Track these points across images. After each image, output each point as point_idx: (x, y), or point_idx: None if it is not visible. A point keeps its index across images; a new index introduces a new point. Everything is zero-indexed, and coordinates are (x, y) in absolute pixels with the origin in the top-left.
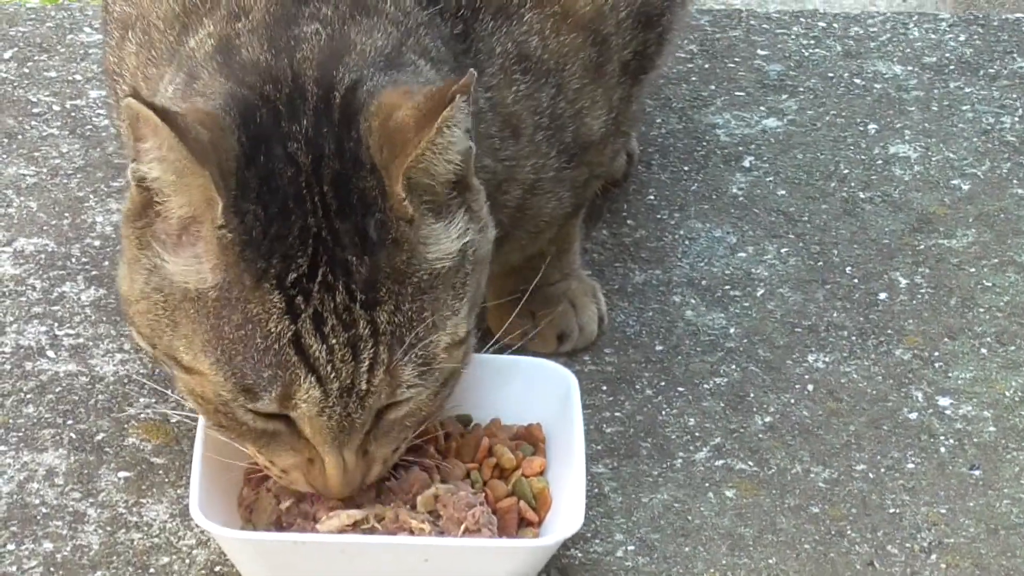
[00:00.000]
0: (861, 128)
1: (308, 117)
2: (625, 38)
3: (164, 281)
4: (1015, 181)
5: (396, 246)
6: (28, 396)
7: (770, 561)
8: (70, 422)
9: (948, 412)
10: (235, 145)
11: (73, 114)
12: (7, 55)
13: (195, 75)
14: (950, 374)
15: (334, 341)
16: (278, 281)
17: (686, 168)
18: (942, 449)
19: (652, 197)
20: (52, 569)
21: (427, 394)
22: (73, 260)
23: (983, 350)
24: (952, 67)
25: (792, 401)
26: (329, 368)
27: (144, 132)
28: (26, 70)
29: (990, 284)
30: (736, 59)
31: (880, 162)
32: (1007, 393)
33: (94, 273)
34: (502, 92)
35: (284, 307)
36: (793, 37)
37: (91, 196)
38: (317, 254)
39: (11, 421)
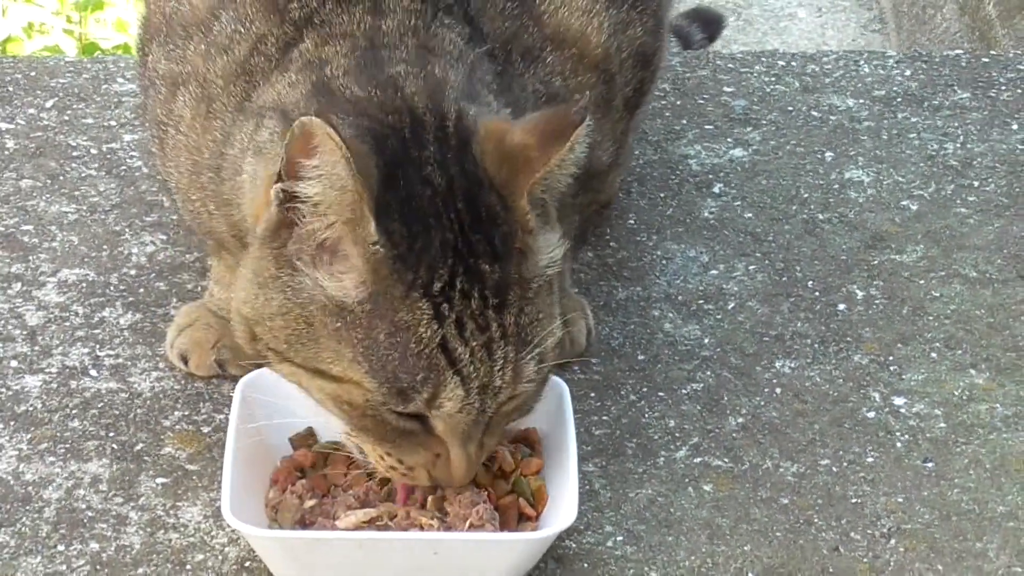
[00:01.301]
0: (819, 156)
1: (432, 144)
2: (627, 76)
3: (304, 298)
4: (958, 201)
5: (521, 255)
6: (74, 412)
7: (745, 548)
8: (112, 434)
9: (903, 411)
10: (374, 170)
11: (109, 156)
12: (48, 104)
13: (291, 116)
14: (904, 376)
15: (474, 343)
16: (425, 290)
17: (662, 195)
18: (898, 444)
19: (632, 221)
20: (98, 567)
21: (536, 388)
22: (112, 288)
23: (933, 354)
24: (899, 100)
25: (762, 403)
26: (471, 368)
27: (317, 149)
28: (66, 117)
29: (938, 295)
30: (705, 96)
31: (837, 186)
32: (956, 392)
33: (131, 300)
34: None
35: (432, 313)
36: (756, 75)
37: (127, 230)
38: (455, 264)
39: (59, 434)
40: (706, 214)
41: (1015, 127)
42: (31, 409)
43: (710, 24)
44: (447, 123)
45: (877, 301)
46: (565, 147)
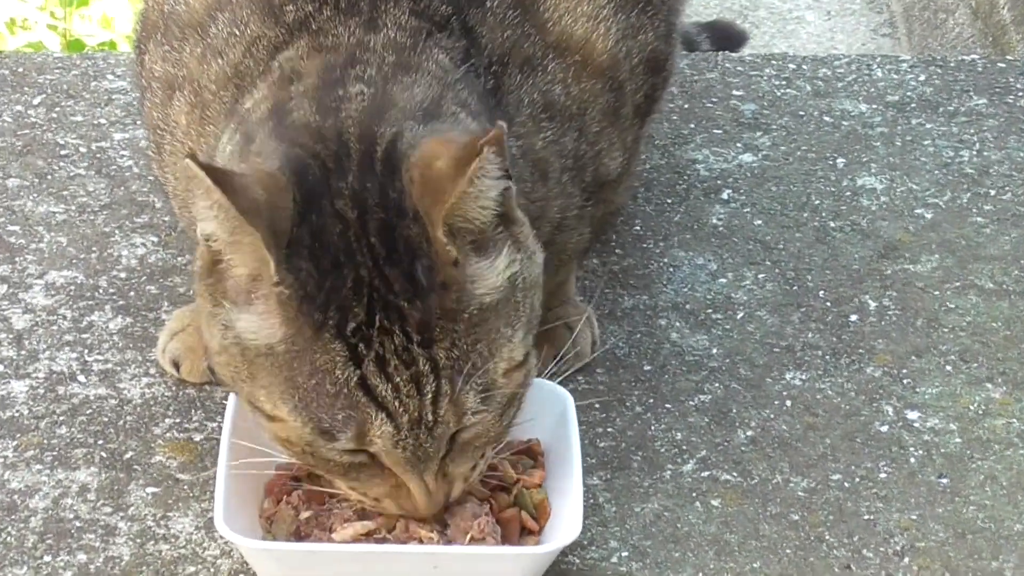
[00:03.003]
0: (830, 162)
1: (353, 172)
2: (637, 83)
3: (238, 336)
4: (974, 210)
5: (444, 288)
6: (61, 418)
7: (754, 565)
8: (101, 442)
9: (916, 425)
10: (290, 204)
11: (98, 155)
12: (36, 101)
13: (251, 136)
14: (918, 390)
15: (398, 379)
16: (338, 331)
17: (669, 201)
18: (912, 459)
19: (638, 228)
20: None
21: (492, 417)
22: (101, 291)
23: (948, 367)
24: (914, 105)
25: (772, 416)
26: (397, 404)
27: (198, 192)
28: (54, 115)
29: (953, 306)
30: (713, 99)
31: (849, 193)
32: (971, 407)
33: (121, 303)
34: (532, 139)
35: (347, 354)
36: (766, 78)
37: (116, 232)
38: (372, 301)
39: (46, 442)
40: (714, 221)
41: None
42: (17, 415)
43: (727, 40)
44: (375, 149)
45: (890, 312)
46: (464, 180)
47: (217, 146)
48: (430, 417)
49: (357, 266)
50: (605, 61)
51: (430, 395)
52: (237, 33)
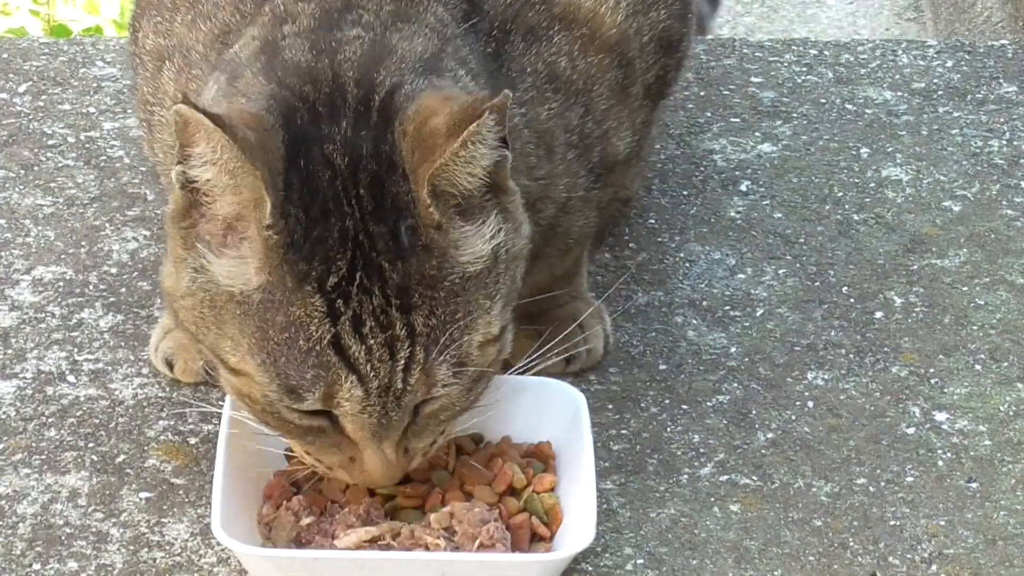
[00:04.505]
0: (854, 152)
1: (348, 119)
2: (648, 62)
3: (209, 282)
4: (1004, 202)
5: (426, 252)
6: (50, 420)
7: (776, 573)
8: (92, 444)
9: (945, 427)
10: (280, 146)
11: (87, 145)
12: (22, 89)
13: (237, 75)
14: (946, 390)
15: (372, 342)
16: (319, 284)
17: (685, 193)
18: (940, 463)
19: (653, 221)
20: None
21: (461, 390)
22: (91, 287)
23: (977, 366)
24: (940, 92)
25: (793, 417)
26: (368, 368)
27: (195, 136)
28: (40, 103)
29: (982, 302)
30: (731, 87)
31: (873, 185)
32: (1001, 408)
33: (111, 300)
34: (536, 109)
35: (325, 310)
36: (786, 65)
37: (107, 225)
38: (355, 257)
39: (34, 444)
40: (732, 214)
41: None
42: (4, 417)
43: None
44: (373, 97)
45: (917, 309)
46: (457, 141)
47: (201, 96)
48: (399, 385)
49: (344, 217)
50: (614, 36)
51: (403, 362)
52: None
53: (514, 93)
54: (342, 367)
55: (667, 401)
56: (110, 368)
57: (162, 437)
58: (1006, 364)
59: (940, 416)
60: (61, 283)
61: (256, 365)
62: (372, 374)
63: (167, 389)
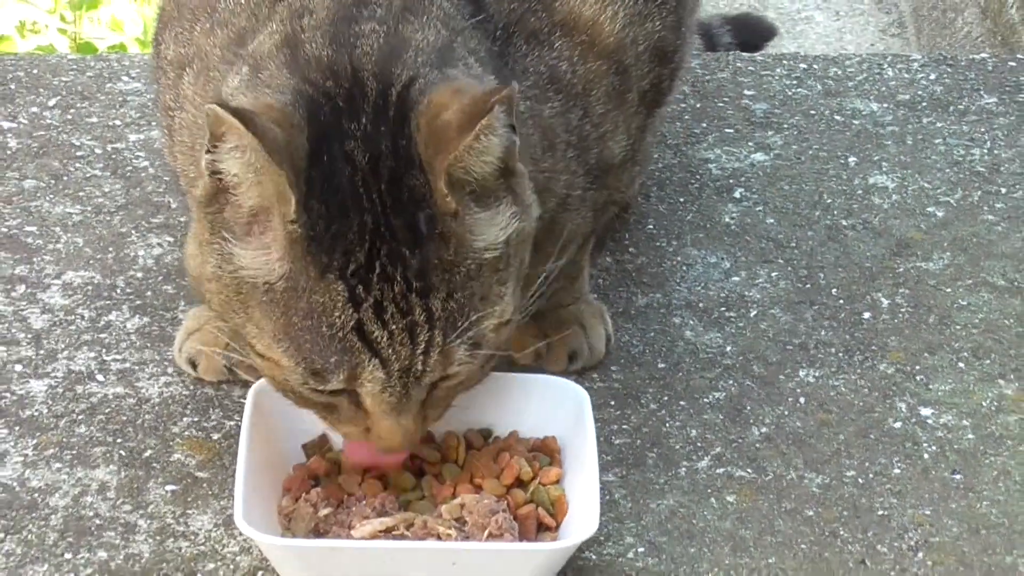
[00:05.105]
0: (842, 161)
1: (367, 114)
2: (643, 70)
3: (235, 268)
4: (985, 208)
5: (443, 239)
6: (80, 417)
7: (769, 561)
8: (120, 440)
9: (930, 421)
10: (304, 143)
11: (114, 156)
12: (51, 103)
13: (261, 67)
14: (931, 386)
15: (394, 327)
16: (340, 272)
17: (682, 200)
18: (925, 455)
19: (651, 227)
20: None
21: (475, 368)
22: (118, 291)
23: (960, 364)
24: (924, 104)
25: (786, 413)
26: (390, 351)
27: (226, 134)
28: (69, 116)
29: (965, 303)
30: (725, 99)
31: (860, 192)
32: (984, 403)
33: (138, 303)
34: (539, 106)
35: (347, 296)
36: (777, 78)
37: (133, 232)
38: (374, 247)
39: (65, 440)
40: (727, 219)
41: None
42: (36, 415)
43: (754, 34)
44: (390, 91)
45: (903, 310)
46: (471, 135)
47: (222, 90)
48: (419, 367)
49: (363, 212)
50: (611, 43)
51: (423, 345)
52: (243, 2)
53: (519, 84)
54: (365, 351)
55: (666, 398)
56: (137, 368)
57: (186, 433)
58: (988, 362)
59: (925, 411)
60: (90, 287)
61: (282, 351)
62: (394, 357)
63: (191, 387)
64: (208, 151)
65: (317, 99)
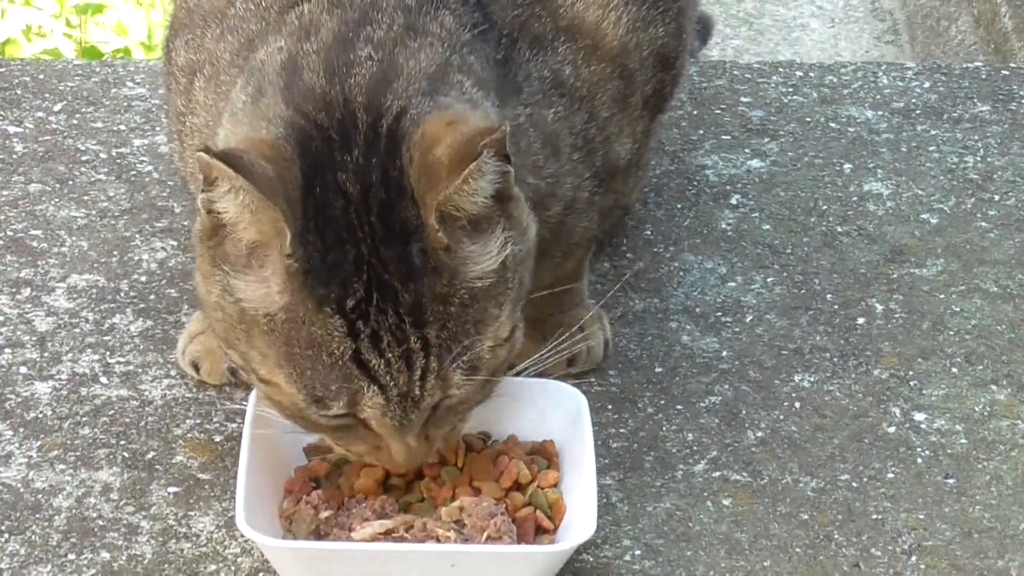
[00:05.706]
0: (837, 168)
1: (359, 146)
2: (647, 75)
3: (236, 300)
4: (979, 215)
5: (436, 272)
6: (84, 419)
7: (765, 564)
8: (123, 442)
9: (923, 426)
10: (297, 176)
11: (119, 161)
12: (57, 108)
13: (262, 91)
14: (924, 391)
15: (390, 355)
16: (338, 306)
17: (679, 206)
18: (919, 460)
19: (649, 232)
20: None
21: (475, 388)
22: (122, 294)
23: (954, 369)
24: (919, 112)
25: (781, 417)
26: (388, 378)
27: (218, 179)
28: (75, 121)
29: (958, 309)
30: (722, 106)
31: (855, 199)
32: (976, 408)
33: (141, 306)
34: (543, 111)
35: (345, 329)
36: (773, 85)
37: (137, 236)
38: (371, 279)
39: (69, 442)
40: (723, 226)
41: None
42: (40, 416)
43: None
44: (381, 123)
45: (897, 315)
46: (459, 178)
47: (230, 97)
48: (417, 392)
49: (358, 243)
50: (615, 48)
51: (419, 371)
52: (252, 7)
53: (521, 95)
54: (364, 379)
55: (663, 402)
56: (140, 370)
57: (189, 435)
58: (981, 367)
59: (919, 416)
60: (94, 290)
61: (283, 377)
62: (392, 383)
63: (194, 390)
64: (203, 191)
65: (309, 132)
